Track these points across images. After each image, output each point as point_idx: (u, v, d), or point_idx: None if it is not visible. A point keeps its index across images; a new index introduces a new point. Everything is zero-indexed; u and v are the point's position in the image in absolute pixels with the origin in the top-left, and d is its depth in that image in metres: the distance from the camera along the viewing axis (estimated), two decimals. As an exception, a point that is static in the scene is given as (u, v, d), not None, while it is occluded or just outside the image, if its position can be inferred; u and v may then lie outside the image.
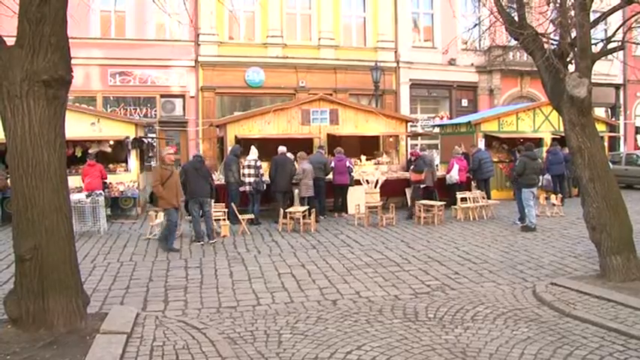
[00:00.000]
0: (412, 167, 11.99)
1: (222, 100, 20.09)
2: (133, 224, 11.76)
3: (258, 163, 11.11)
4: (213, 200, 9.87)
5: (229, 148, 12.27)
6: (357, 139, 15.22)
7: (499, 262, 7.74)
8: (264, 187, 11.20)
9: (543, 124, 15.74)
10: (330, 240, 9.62)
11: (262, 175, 11.17)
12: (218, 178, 12.54)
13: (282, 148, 11.67)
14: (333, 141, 14.14)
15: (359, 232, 10.41)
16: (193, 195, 9.45)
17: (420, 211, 11.32)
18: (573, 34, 6.60)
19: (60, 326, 4.68)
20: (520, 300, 5.99)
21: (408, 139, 17.40)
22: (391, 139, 16.14)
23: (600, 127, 14.68)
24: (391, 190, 12.88)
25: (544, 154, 14.88)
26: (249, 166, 11.16)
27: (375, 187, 12.44)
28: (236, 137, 13.46)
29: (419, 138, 20.42)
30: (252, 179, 11.06)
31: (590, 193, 6.47)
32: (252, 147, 11.49)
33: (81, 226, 10.22)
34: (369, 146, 15.64)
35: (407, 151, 15.91)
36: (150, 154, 16.28)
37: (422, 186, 11.80)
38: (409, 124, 16.46)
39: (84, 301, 5.01)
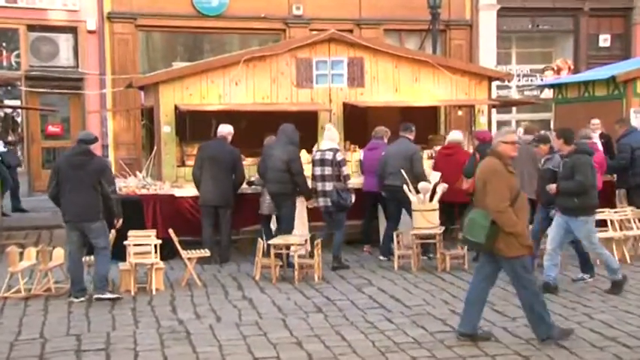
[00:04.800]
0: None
1: (150, 39, 20.22)
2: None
3: (339, 157, 11.43)
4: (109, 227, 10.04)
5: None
6: (397, 112, 15.23)
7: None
8: (352, 201, 11.55)
9: None
10: (349, 296, 9.70)
11: (348, 177, 11.60)
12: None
13: (222, 129, 12.04)
14: (354, 116, 14.16)
15: (400, 282, 10.52)
16: (66, 215, 9.78)
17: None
18: None
19: None
20: None
21: (494, 111, 17.37)
22: (461, 113, 16.13)
23: None
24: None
25: None
26: (321, 163, 11.43)
27: (431, 200, 12.31)
28: (176, 108, 13.48)
29: (513, 110, 20.38)
30: (329, 186, 11.29)
31: None
32: (329, 126, 11.92)
33: None
34: (420, 125, 15.51)
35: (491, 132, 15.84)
36: (9, 138, 16.25)
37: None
38: (495, 83, 16.39)
39: None
